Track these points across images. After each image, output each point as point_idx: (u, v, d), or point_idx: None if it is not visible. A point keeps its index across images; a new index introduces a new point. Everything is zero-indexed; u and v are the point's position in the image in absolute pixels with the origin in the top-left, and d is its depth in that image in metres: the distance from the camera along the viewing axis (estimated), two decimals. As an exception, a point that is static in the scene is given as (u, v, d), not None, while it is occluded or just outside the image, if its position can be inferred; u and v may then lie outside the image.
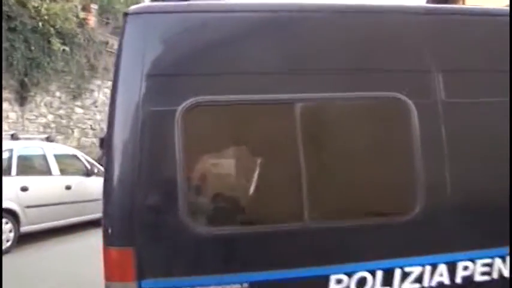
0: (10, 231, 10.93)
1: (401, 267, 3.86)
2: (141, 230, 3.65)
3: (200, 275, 3.67)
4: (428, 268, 3.88)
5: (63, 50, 19.09)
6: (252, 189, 3.79)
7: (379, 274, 3.84)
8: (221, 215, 3.80)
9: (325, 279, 3.79)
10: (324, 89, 3.89)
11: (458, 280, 3.92)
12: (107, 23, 24.20)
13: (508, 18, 4.14)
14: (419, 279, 3.88)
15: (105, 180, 3.74)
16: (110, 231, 3.69)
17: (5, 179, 10.79)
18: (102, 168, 14.18)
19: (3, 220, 10.73)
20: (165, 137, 3.70)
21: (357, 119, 3.95)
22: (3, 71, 16.49)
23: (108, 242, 3.69)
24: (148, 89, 3.70)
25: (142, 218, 3.65)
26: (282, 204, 3.86)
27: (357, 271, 3.81)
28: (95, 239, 11.57)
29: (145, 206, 3.68)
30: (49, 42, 18.52)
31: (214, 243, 3.72)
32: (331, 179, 3.89)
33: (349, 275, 3.81)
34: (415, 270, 3.87)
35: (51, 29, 18.53)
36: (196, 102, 3.72)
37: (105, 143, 3.75)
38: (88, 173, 13.42)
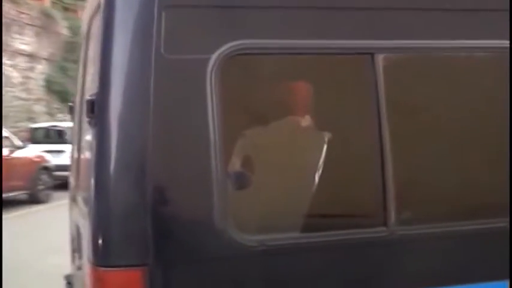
0: None
1: None
2: (156, 242, 2.38)
3: None
4: None
5: None
6: (317, 178, 2.58)
7: None
8: (276, 217, 2.56)
9: None
10: (416, 35, 2.71)
11: None
12: None
13: None
14: None
15: (96, 165, 2.45)
16: (103, 244, 2.39)
17: None
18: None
19: None
20: (192, 99, 2.44)
21: (461, 80, 2.78)
22: None
23: (101, 260, 2.39)
24: (166, 27, 2.41)
25: (157, 223, 2.38)
26: (359, 201, 2.65)
27: None
28: None
29: (162, 205, 2.40)
30: None
31: (267, 258, 2.48)
32: (428, 166, 2.70)
33: None
34: None
35: None
36: (238, 49, 2.47)
37: (97, 109, 2.46)
38: None
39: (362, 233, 2.58)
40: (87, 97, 2.53)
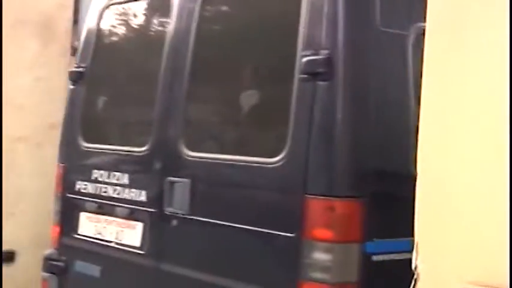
0: None
1: None
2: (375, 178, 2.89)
3: None
4: None
5: None
6: None
7: None
8: None
9: None
10: None
11: None
12: None
13: None
14: None
15: (326, 111, 2.88)
16: (337, 178, 2.85)
17: None
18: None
19: None
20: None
21: None
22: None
23: (334, 191, 2.84)
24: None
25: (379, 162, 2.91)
26: None
27: None
28: None
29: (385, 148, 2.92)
30: None
31: None
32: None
33: None
34: None
35: None
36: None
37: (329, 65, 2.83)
38: None
39: None
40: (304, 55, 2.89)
